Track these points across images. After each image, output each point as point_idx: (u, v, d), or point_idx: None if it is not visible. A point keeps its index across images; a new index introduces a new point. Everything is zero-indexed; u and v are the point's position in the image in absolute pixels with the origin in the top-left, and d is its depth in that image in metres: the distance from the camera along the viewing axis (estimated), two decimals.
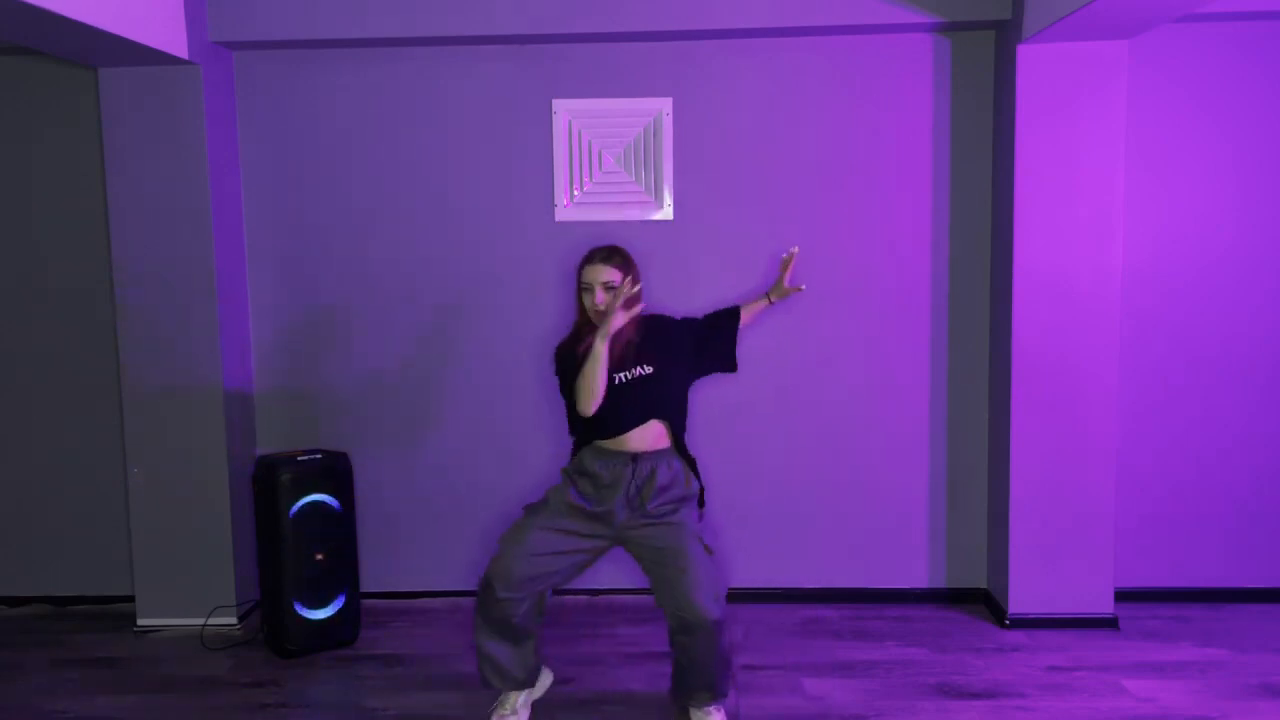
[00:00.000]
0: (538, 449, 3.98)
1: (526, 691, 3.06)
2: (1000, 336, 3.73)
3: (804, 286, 3.47)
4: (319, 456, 3.61)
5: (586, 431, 3.01)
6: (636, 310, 2.95)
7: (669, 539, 2.87)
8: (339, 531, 3.62)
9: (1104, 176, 3.55)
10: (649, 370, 2.96)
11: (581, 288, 2.97)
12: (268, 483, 3.52)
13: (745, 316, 3.36)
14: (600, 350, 2.84)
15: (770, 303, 3.40)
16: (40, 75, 3.89)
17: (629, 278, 2.92)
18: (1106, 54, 3.49)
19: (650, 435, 2.96)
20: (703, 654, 2.82)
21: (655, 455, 2.96)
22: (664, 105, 3.82)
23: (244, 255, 3.95)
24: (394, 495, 4.03)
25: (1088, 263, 3.58)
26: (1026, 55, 3.51)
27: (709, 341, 3.28)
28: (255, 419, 4.02)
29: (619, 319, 2.86)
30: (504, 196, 3.90)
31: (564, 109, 3.84)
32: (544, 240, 3.90)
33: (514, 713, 3.01)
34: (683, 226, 3.85)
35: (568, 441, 3.94)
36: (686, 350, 3.17)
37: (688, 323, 3.27)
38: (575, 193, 3.88)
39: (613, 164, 3.86)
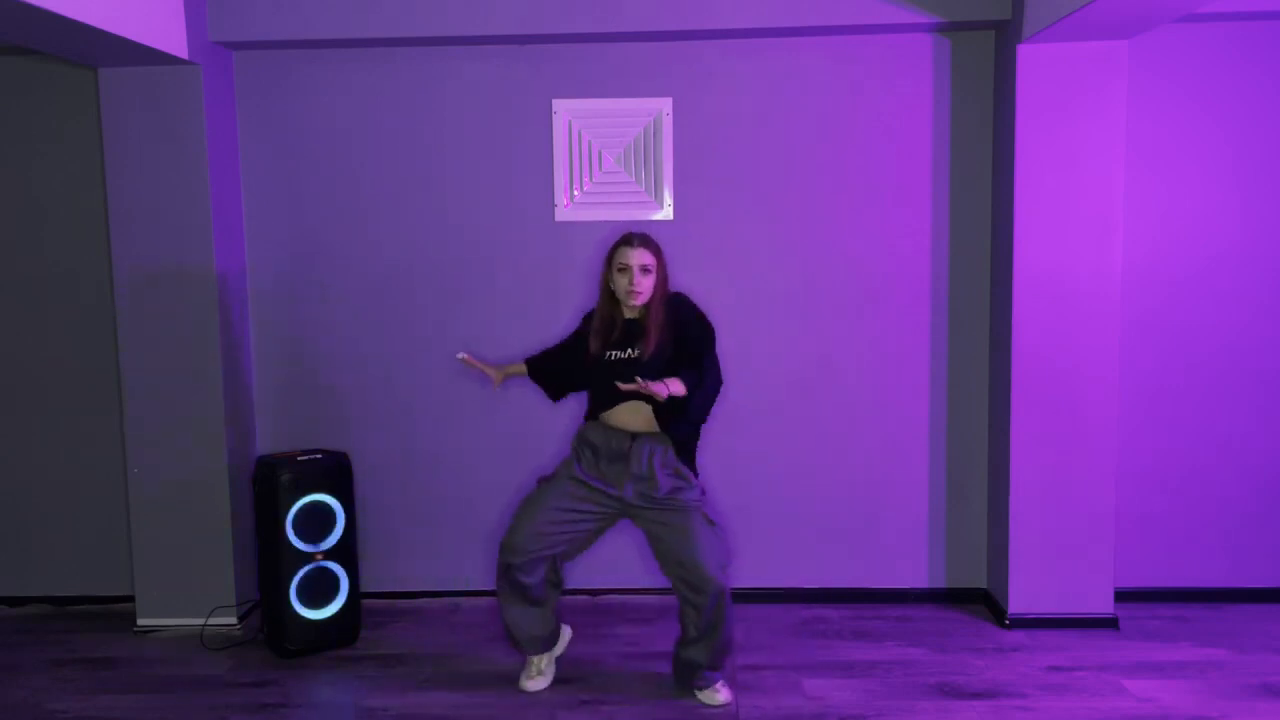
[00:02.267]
0: (539, 449, 3.98)
1: (549, 653, 3.27)
2: (1000, 336, 3.73)
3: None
4: (319, 456, 3.61)
5: (589, 402, 3.20)
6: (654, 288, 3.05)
7: (674, 518, 3.04)
8: (339, 531, 3.62)
9: (1104, 176, 3.55)
10: (634, 354, 3.03)
11: (617, 269, 3.03)
12: (268, 483, 3.52)
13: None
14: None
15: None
16: (40, 75, 3.89)
17: (661, 263, 3.05)
18: (1106, 54, 3.49)
19: (642, 417, 3.06)
20: (712, 616, 2.98)
21: (652, 439, 3.06)
22: (664, 105, 3.82)
23: (244, 255, 3.95)
24: (394, 495, 4.03)
25: (1088, 263, 3.58)
26: (1026, 55, 3.51)
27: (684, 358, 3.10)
28: (255, 419, 4.02)
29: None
30: (504, 197, 3.90)
31: (564, 109, 3.84)
32: (544, 241, 3.90)
33: (540, 673, 3.25)
34: (683, 227, 3.85)
35: (570, 442, 3.96)
36: (684, 348, 3.06)
37: (686, 325, 3.08)
38: (575, 193, 3.88)
39: (613, 164, 3.86)
